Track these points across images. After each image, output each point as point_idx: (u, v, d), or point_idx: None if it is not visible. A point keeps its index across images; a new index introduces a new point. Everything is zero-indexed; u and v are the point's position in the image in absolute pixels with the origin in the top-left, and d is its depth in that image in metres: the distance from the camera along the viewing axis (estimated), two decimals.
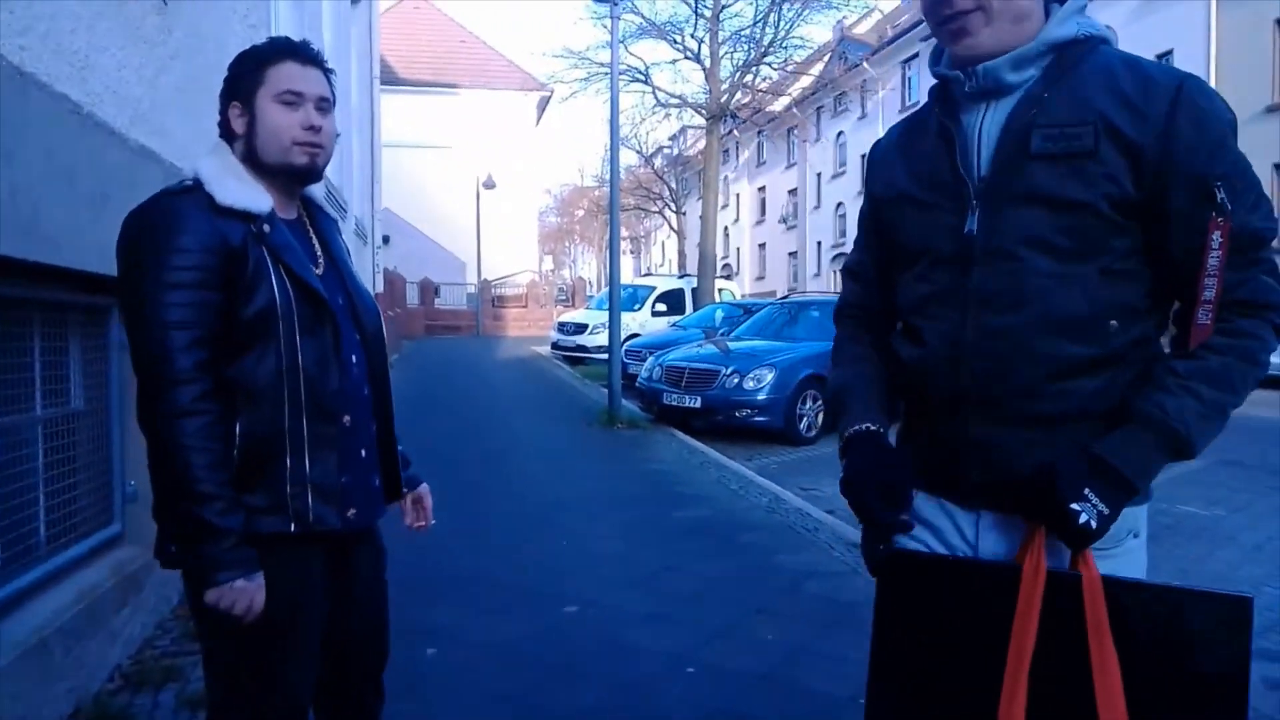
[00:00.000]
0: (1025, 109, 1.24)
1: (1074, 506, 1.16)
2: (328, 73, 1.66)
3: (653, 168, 32.05)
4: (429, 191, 28.26)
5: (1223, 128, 1.20)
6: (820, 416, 8.37)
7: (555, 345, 17.35)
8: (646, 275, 22.62)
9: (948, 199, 1.30)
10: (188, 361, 1.44)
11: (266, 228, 1.55)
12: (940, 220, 1.30)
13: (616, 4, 9.00)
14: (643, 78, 19.28)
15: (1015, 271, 1.23)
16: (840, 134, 32.09)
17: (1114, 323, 1.22)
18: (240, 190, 1.55)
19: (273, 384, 1.51)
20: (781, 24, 18.21)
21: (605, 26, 18.75)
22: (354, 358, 1.65)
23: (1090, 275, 1.21)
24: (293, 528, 1.53)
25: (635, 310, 16.54)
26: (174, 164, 3.69)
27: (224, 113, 1.64)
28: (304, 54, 1.62)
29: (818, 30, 26.54)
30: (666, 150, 36.74)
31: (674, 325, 15.00)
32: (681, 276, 19.42)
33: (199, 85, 4.08)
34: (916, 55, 28.37)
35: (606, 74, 19.31)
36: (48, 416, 2.92)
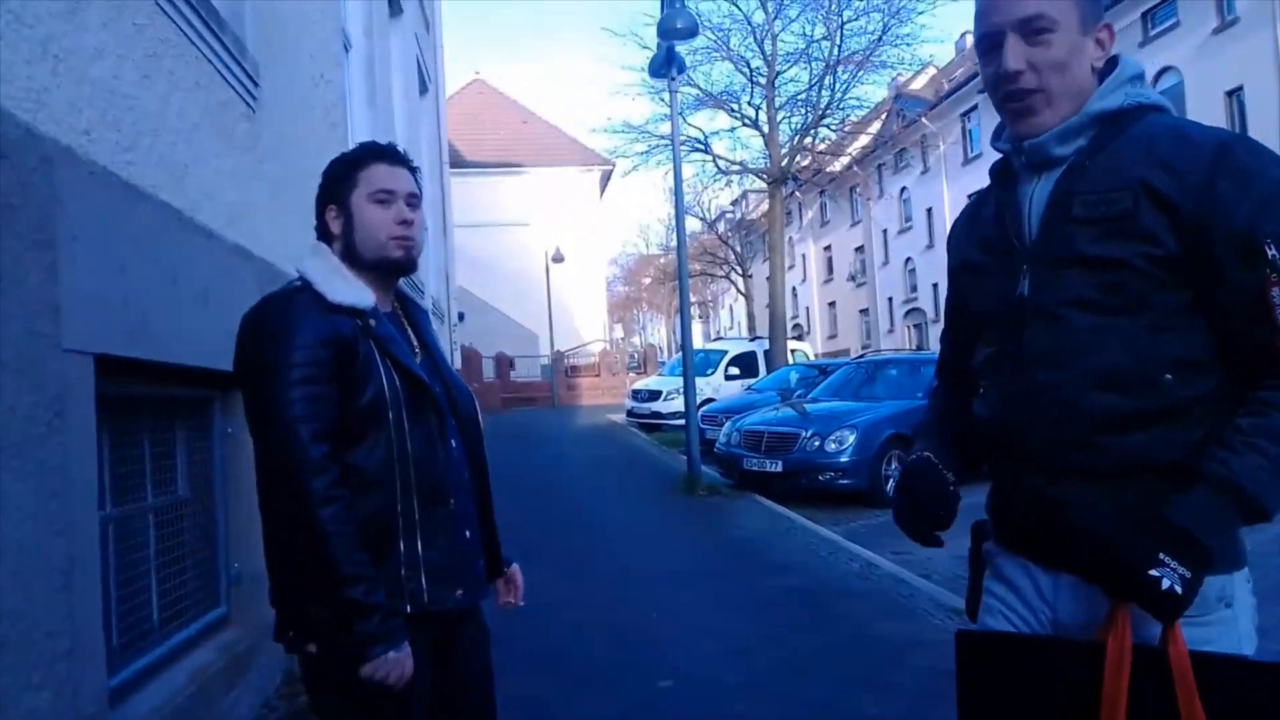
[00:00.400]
0: (1068, 178, 1.29)
1: (1153, 573, 1.13)
2: (414, 170, 1.78)
3: (716, 233, 32.32)
4: (500, 268, 28.98)
5: (1274, 185, 1.19)
6: None
7: (630, 413, 17.39)
8: (717, 339, 22.67)
9: (1001, 264, 1.36)
10: (317, 452, 1.51)
11: (372, 322, 1.63)
12: (995, 285, 1.37)
13: (674, 79, 9.19)
14: (702, 147, 19.59)
15: (1059, 330, 1.27)
16: (904, 189, 31.99)
17: (1169, 376, 1.22)
18: (346, 288, 1.64)
19: (385, 470, 1.58)
20: (837, 86, 18.38)
21: (663, 100, 19.24)
22: (454, 442, 1.72)
23: (1135, 330, 1.23)
24: (408, 609, 1.58)
25: (708, 375, 16.54)
26: (265, 260, 3.87)
27: (321, 215, 1.76)
28: (392, 155, 1.74)
29: (873, 89, 26.81)
30: (729, 215, 37.09)
31: (748, 388, 14.93)
32: (753, 339, 19.39)
33: (286, 185, 4.30)
34: (975, 107, 28.28)
35: (666, 145, 19.75)
36: (157, 505, 3.03)
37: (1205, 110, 19.94)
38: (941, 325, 1.71)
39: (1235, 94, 19.27)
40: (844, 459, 8.14)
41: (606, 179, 33.53)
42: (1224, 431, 1.20)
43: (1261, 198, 1.18)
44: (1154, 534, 1.16)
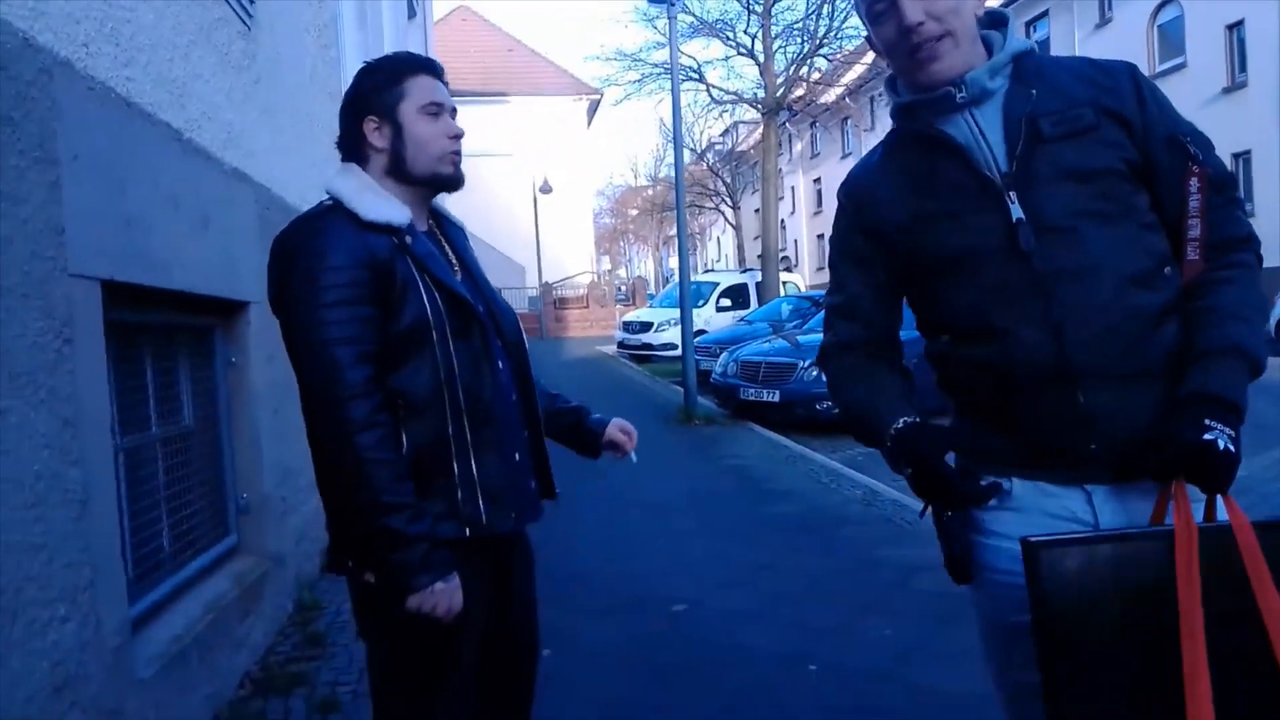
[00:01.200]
0: (1018, 106, 1.36)
1: (1207, 436, 1.20)
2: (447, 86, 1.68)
3: (707, 164, 31.91)
4: (486, 199, 28.50)
5: (1166, 98, 1.41)
6: None
7: (621, 344, 17.37)
8: (708, 271, 22.55)
9: (975, 200, 1.36)
10: (358, 376, 1.44)
11: (409, 239, 1.56)
12: (976, 222, 1.36)
13: (673, 4, 8.91)
14: (696, 76, 19.20)
15: (1076, 242, 1.31)
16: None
17: (1167, 269, 1.33)
18: (380, 205, 1.55)
19: (432, 392, 1.52)
20: (836, 14, 17.97)
21: (656, 28, 18.79)
22: (500, 363, 1.65)
23: (1134, 232, 1.33)
24: (467, 532, 1.54)
25: (700, 307, 16.46)
26: (263, 184, 3.76)
27: (355, 128, 1.63)
28: (435, 68, 1.65)
29: None
30: (718, 146, 36.56)
31: (741, 320, 14.89)
32: (744, 271, 19.29)
33: (281, 106, 4.15)
34: None
35: (659, 74, 19.38)
36: (164, 435, 2.98)
37: (1205, 44, 19.64)
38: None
39: (1236, 28, 18.95)
40: None
41: (594, 109, 32.91)
42: (1200, 312, 1.32)
43: (1167, 107, 1.39)
44: (1196, 406, 1.24)
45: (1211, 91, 19.57)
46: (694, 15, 18.53)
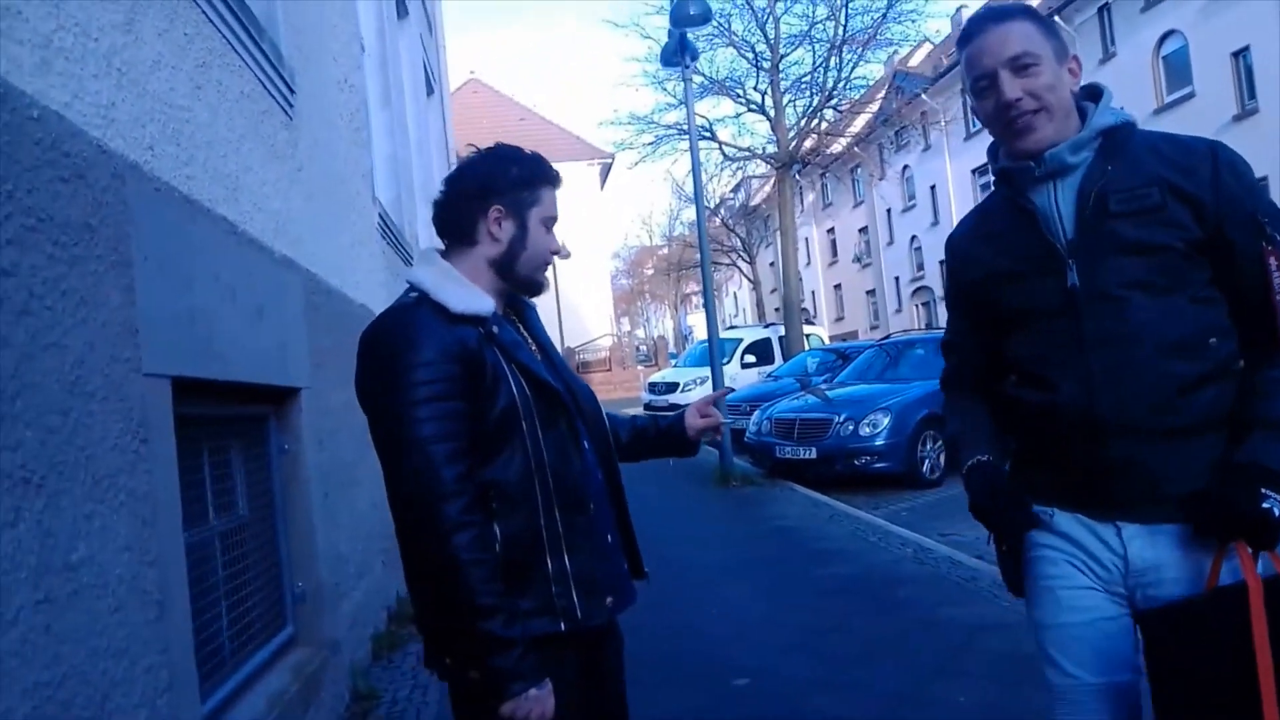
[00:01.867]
0: (1094, 181, 1.49)
1: (1265, 505, 1.36)
2: None
3: (721, 220, 32.20)
4: None
5: (1253, 177, 1.53)
6: (942, 457, 8.11)
7: (648, 406, 17.31)
8: (731, 328, 22.54)
9: (1041, 264, 1.53)
10: (450, 474, 1.42)
11: (495, 328, 1.56)
12: (1039, 284, 1.53)
13: (688, 66, 9.08)
14: (709, 135, 19.47)
15: (1121, 311, 1.46)
16: (906, 168, 31.78)
17: (1213, 340, 1.46)
18: (467, 295, 1.55)
19: (524, 483, 1.51)
20: (843, 67, 18.24)
21: (666, 89, 19.12)
22: (585, 444, 1.64)
23: (1183, 304, 1.46)
24: (562, 627, 1.51)
25: (724, 364, 16.43)
26: (308, 270, 3.80)
27: (476, 210, 1.62)
28: (560, 183, 1.70)
29: (875, 68, 26.70)
30: (729, 201, 36.95)
31: (768, 376, 14.84)
32: (767, 326, 19.29)
33: (320, 192, 4.22)
34: None
35: (672, 135, 19.66)
36: (221, 528, 2.96)
37: (1211, 72, 19.78)
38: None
39: (1241, 55, 19.09)
40: (879, 442, 8.06)
41: (607, 172, 33.44)
42: (1262, 385, 1.46)
43: (1251, 187, 1.50)
44: (1251, 476, 1.39)
45: (1223, 119, 19.65)
46: (704, 75, 18.88)
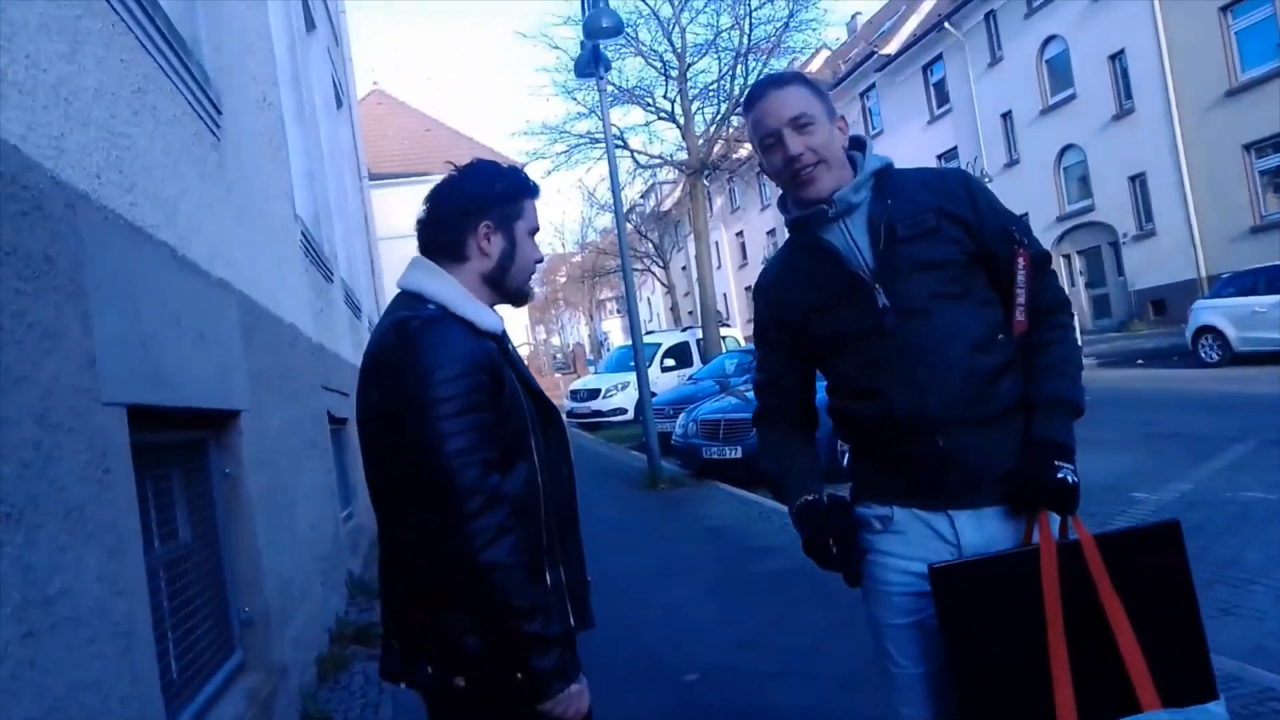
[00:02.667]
0: (879, 215, 1.71)
1: (1059, 475, 1.59)
2: None
3: (634, 226, 32.41)
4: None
5: (994, 196, 1.80)
6: None
7: (571, 414, 17.36)
8: (649, 333, 22.75)
9: (851, 292, 1.71)
10: (488, 485, 1.44)
11: (510, 346, 1.63)
12: (853, 309, 1.71)
13: (602, 77, 9.18)
14: (621, 143, 19.64)
15: (929, 320, 1.66)
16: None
17: (1001, 336, 1.70)
18: (486, 313, 1.60)
19: (530, 496, 1.54)
20: (749, 75, 18.63)
21: (576, 99, 19.22)
22: (564, 465, 1.71)
23: (974, 308, 1.70)
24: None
25: (647, 368, 16.59)
26: (243, 291, 3.76)
27: (466, 227, 1.64)
28: (539, 193, 1.76)
29: None
30: (639, 207, 37.23)
31: (689, 379, 15.05)
32: (684, 330, 19.54)
33: (248, 212, 4.18)
34: (873, 85, 29.03)
35: (585, 145, 19.77)
36: (165, 556, 2.92)
37: (1092, 75, 20.88)
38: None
39: (1117, 57, 20.22)
40: None
41: None
42: (1032, 371, 1.70)
43: (997, 204, 1.77)
44: (1045, 453, 1.61)
45: (1103, 119, 20.77)
46: (615, 84, 19.05)
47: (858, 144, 1.82)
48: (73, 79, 2.10)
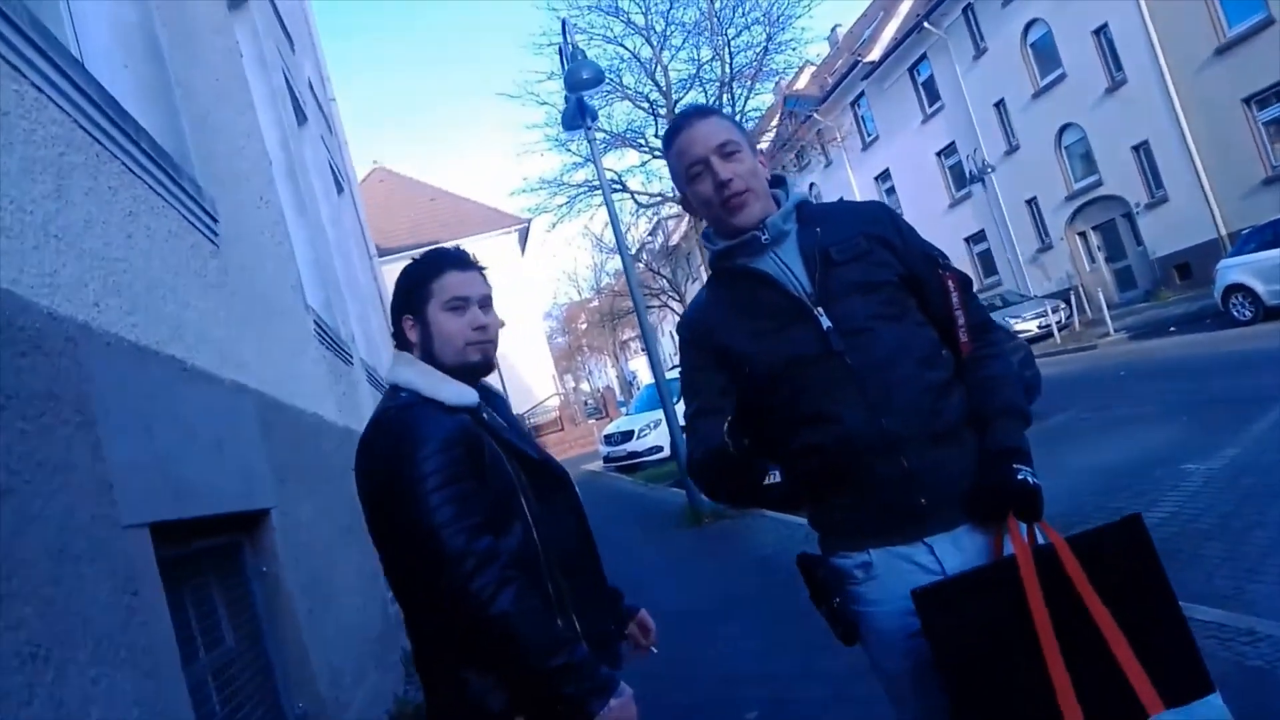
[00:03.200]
0: (811, 241, 1.73)
1: (1019, 477, 1.59)
2: (483, 271, 1.83)
3: (645, 264, 32.58)
4: None
5: (910, 225, 1.85)
6: None
7: (607, 459, 17.34)
8: (675, 367, 22.76)
9: (792, 317, 1.70)
10: (478, 547, 1.52)
11: (484, 415, 1.70)
12: (796, 334, 1.69)
13: (589, 127, 9.29)
14: (620, 186, 19.83)
15: (873, 339, 1.66)
16: (812, 185, 32.62)
17: (944, 352, 1.72)
18: (455, 389, 1.70)
19: (527, 552, 1.62)
20: (736, 102, 18.79)
21: (570, 150, 19.45)
22: (569, 518, 1.78)
23: (913, 327, 1.71)
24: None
25: (676, 403, 16.57)
26: (258, 390, 3.81)
27: (398, 326, 1.80)
28: (462, 261, 1.81)
29: (765, 98, 27.53)
30: (649, 245, 37.43)
31: None
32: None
33: (256, 311, 4.25)
34: (863, 94, 29.12)
35: (585, 194, 19.97)
36: (213, 664, 2.94)
37: (1078, 52, 20.82)
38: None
39: (1101, 31, 20.17)
40: None
41: (525, 236, 33.64)
42: (982, 383, 1.71)
43: (915, 232, 1.82)
44: (1002, 460, 1.61)
45: (1096, 94, 20.67)
46: (605, 131, 19.28)
47: (778, 182, 1.85)
48: (61, 214, 2.16)
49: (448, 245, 1.89)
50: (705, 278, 1.94)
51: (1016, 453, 1.62)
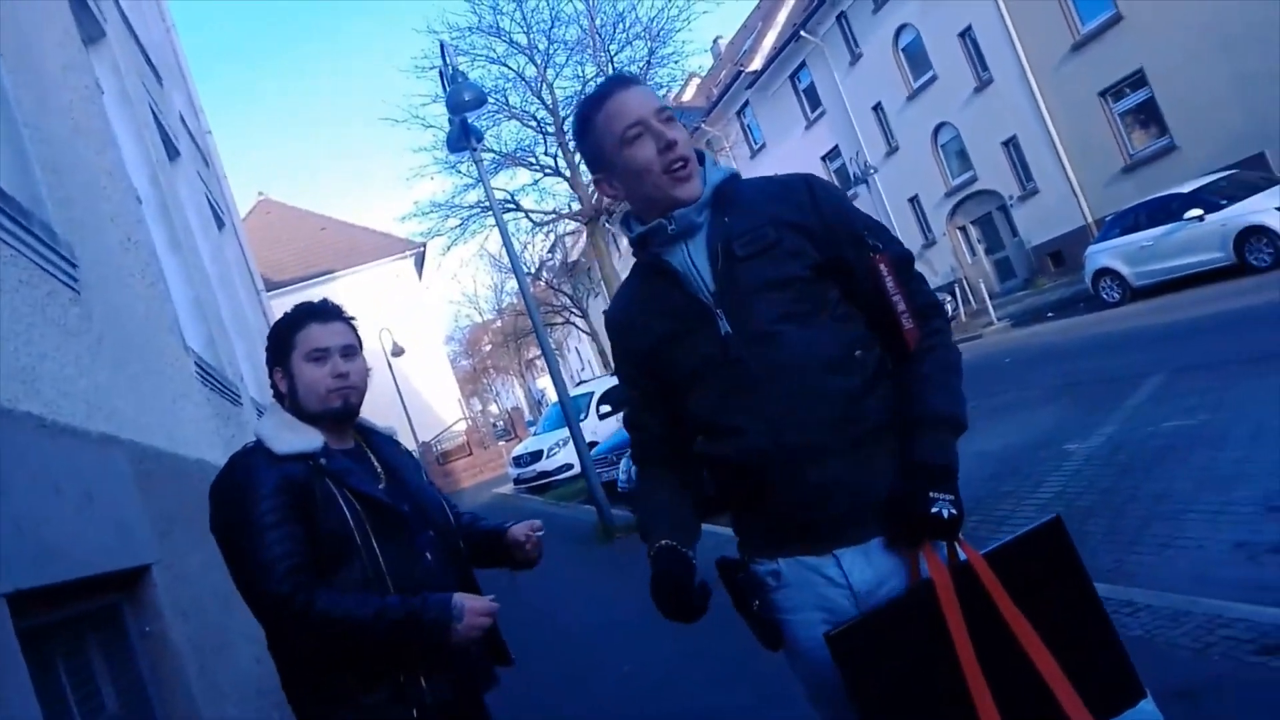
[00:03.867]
0: (717, 234, 1.58)
1: (934, 510, 1.47)
2: (348, 320, 1.95)
3: (545, 282, 32.50)
4: None
5: (844, 197, 1.69)
6: None
7: (518, 480, 17.19)
8: (581, 384, 22.72)
9: (693, 319, 1.58)
10: (290, 583, 1.69)
11: (324, 461, 1.79)
12: (698, 338, 1.58)
13: (475, 149, 9.22)
14: (513, 206, 19.72)
15: (776, 345, 1.53)
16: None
17: (859, 353, 1.56)
18: (293, 438, 1.83)
19: (363, 590, 1.73)
20: None
21: (460, 171, 19.27)
22: (428, 554, 1.87)
23: (825, 324, 1.55)
24: (415, 714, 1.73)
25: (584, 420, 16.53)
26: (132, 440, 3.63)
27: (271, 377, 1.96)
28: (323, 313, 1.94)
29: None
30: (549, 262, 37.36)
31: None
32: (614, 373, 19.57)
33: (128, 356, 4.06)
34: (747, 103, 29.76)
35: (477, 215, 19.79)
36: None
37: (946, 55, 21.77)
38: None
39: (966, 34, 21.12)
40: None
41: (420, 261, 33.14)
42: (911, 381, 1.57)
43: (846, 206, 1.65)
44: (919, 480, 1.49)
45: (966, 93, 21.63)
46: (494, 151, 19.17)
47: (699, 159, 1.67)
48: None
49: (313, 299, 2.02)
50: (607, 291, 1.95)
51: (935, 471, 1.50)
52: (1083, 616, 1.50)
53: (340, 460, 1.85)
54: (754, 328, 1.54)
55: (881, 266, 1.58)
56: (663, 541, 1.64)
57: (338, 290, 29.99)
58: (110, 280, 4.19)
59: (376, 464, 1.94)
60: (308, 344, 1.89)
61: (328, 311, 1.94)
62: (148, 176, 7.01)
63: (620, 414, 1.97)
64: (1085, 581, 1.51)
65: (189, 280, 7.12)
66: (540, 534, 2.09)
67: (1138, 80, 17.65)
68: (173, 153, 8.79)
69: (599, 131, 1.61)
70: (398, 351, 26.24)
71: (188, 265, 7.28)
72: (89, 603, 2.97)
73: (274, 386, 1.95)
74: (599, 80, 18.89)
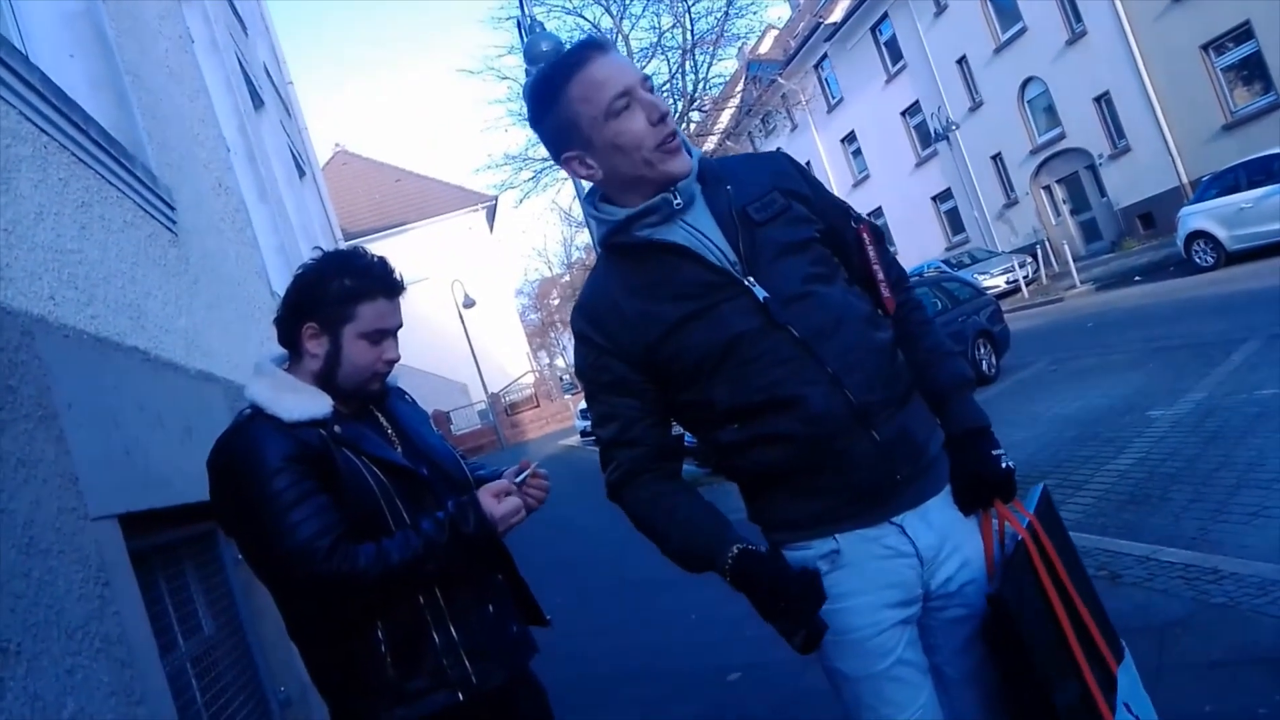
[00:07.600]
0: (723, 202, 1.48)
1: (1005, 465, 1.51)
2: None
3: None
4: (414, 328, 28.43)
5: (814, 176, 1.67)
6: None
7: (584, 433, 17.38)
8: None
9: (722, 291, 1.44)
10: (337, 559, 1.49)
11: (337, 428, 1.61)
12: (731, 310, 1.44)
13: None
14: None
15: (815, 303, 1.45)
16: (778, 150, 32.61)
17: (879, 311, 1.56)
18: (298, 403, 1.59)
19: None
20: (699, 69, 18.71)
21: None
22: None
23: (846, 286, 1.53)
24: (460, 696, 1.59)
25: None
26: (225, 378, 3.79)
27: (293, 329, 1.66)
28: (398, 289, 1.68)
29: (728, 64, 27.42)
30: None
31: None
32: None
33: (221, 298, 4.21)
34: (825, 56, 29.02)
35: (551, 169, 19.82)
36: (192, 652, 2.94)
37: (1036, 4, 20.85)
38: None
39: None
40: None
41: (493, 214, 33.41)
42: (921, 354, 1.57)
43: (820, 184, 1.63)
44: (979, 444, 1.51)
45: (1057, 47, 20.75)
46: None
47: None
48: (9, 208, 2.13)
49: (372, 256, 1.70)
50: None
51: (983, 433, 1.52)
52: (1083, 575, 1.61)
53: (352, 426, 1.64)
54: (789, 291, 1.44)
55: (865, 236, 1.59)
56: (735, 548, 1.43)
57: (412, 241, 30.52)
58: (204, 225, 4.34)
59: (387, 425, 1.74)
60: (373, 320, 1.63)
61: (400, 286, 1.68)
62: (235, 125, 7.20)
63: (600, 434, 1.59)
64: (1072, 544, 1.63)
65: (274, 228, 7.33)
66: (530, 474, 1.71)
67: (1244, 33, 16.69)
68: (258, 102, 8.99)
69: (573, 103, 1.42)
70: (469, 303, 26.61)
71: (273, 213, 7.48)
72: (188, 529, 3.13)
73: (292, 338, 1.66)
74: (675, 31, 18.80)
